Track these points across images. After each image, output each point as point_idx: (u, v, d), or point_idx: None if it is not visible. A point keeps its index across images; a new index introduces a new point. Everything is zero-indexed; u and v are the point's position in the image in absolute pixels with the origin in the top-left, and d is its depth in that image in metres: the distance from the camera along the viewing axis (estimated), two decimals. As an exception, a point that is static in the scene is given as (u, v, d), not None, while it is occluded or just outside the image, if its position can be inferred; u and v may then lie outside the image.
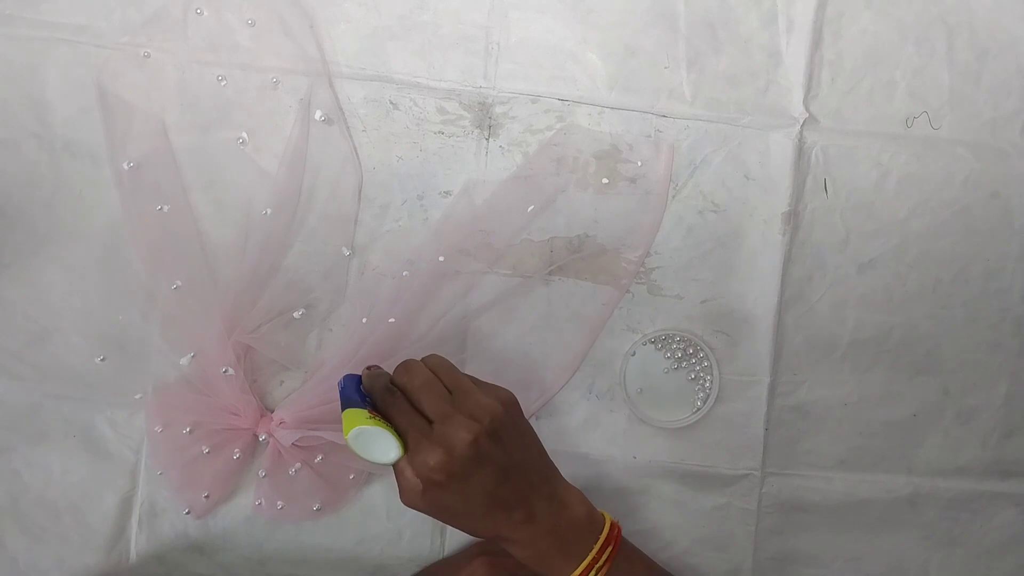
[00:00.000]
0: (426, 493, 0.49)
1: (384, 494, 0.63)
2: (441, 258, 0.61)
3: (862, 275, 0.65)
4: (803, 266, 0.65)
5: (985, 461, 0.66)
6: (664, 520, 0.65)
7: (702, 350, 0.64)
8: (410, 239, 0.63)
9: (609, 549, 0.51)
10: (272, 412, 0.61)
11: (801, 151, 0.64)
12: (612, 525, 0.53)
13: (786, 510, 0.65)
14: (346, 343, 0.61)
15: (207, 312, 0.60)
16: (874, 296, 0.65)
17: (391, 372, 0.60)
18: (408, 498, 0.50)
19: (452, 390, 0.51)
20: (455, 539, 0.64)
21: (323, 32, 0.62)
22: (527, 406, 0.63)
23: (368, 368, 0.54)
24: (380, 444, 0.48)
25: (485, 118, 0.63)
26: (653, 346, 0.64)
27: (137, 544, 0.62)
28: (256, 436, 0.61)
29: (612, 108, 0.63)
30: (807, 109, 0.64)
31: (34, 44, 0.61)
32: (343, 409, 0.51)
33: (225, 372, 0.59)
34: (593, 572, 0.50)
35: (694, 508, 0.65)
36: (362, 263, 0.63)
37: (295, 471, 0.60)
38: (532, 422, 0.63)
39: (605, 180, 0.63)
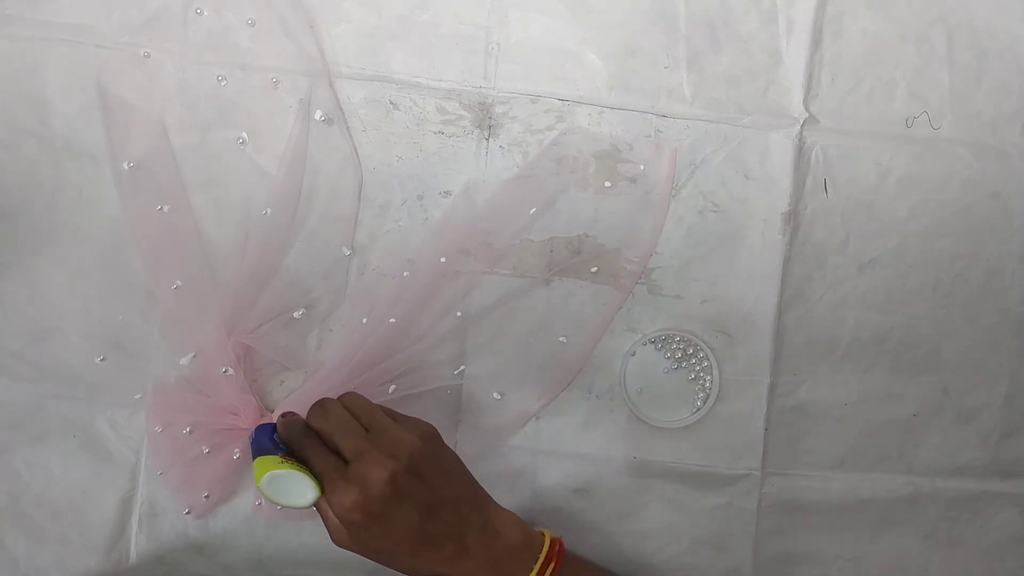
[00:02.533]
0: (350, 534, 0.48)
1: (384, 494, 0.63)
2: (442, 259, 0.61)
3: (862, 275, 0.65)
4: (803, 266, 0.65)
5: (985, 461, 0.66)
6: (664, 520, 0.65)
7: (702, 350, 0.64)
8: (410, 239, 0.63)
9: (551, 566, 0.51)
10: (272, 412, 0.61)
11: (801, 151, 0.64)
12: (553, 542, 0.52)
13: (786, 510, 0.65)
14: (346, 343, 0.61)
15: (207, 312, 0.60)
16: (874, 296, 0.65)
17: (384, 372, 0.60)
18: (337, 539, 0.50)
19: (368, 427, 0.50)
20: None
21: (323, 32, 0.62)
22: (527, 407, 0.63)
23: (283, 415, 0.54)
24: (296, 487, 0.48)
25: (485, 118, 0.63)
26: (653, 346, 0.64)
27: (137, 544, 0.62)
28: (256, 436, 0.61)
29: (612, 108, 0.63)
30: (807, 109, 0.64)
31: (34, 44, 0.61)
32: (254, 458, 0.51)
33: (225, 372, 0.59)
34: None
35: (694, 508, 0.65)
36: (362, 263, 0.63)
37: (295, 471, 0.60)
38: (532, 423, 0.63)
39: (607, 182, 0.63)
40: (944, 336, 0.66)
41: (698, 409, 0.64)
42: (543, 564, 0.51)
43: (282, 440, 0.52)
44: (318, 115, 0.61)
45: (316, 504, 0.49)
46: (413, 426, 0.51)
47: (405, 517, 0.48)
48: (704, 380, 0.64)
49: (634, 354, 0.64)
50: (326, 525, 0.50)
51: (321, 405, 0.52)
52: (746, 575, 0.65)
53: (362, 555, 0.50)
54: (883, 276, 0.65)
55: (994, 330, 0.66)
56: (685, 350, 0.64)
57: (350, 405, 0.52)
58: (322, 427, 0.50)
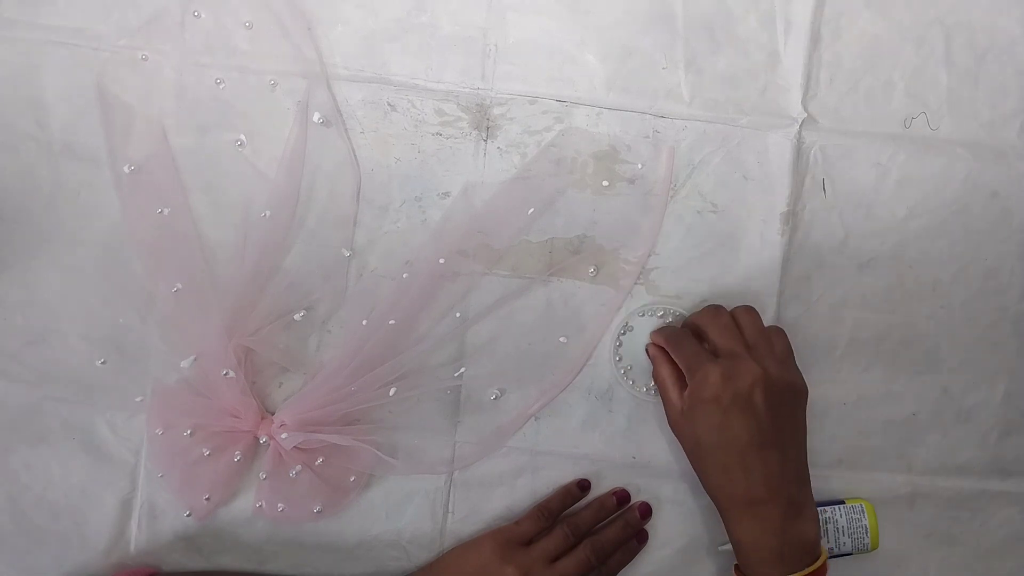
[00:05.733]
0: (690, 412, 0.53)
1: (384, 496, 0.63)
2: (441, 260, 0.61)
3: (861, 275, 0.65)
4: (802, 266, 0.65)
5: (984, 460, 0.67)
6: (663, 519, 0.65)
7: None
8: (409, 241, 0.63)
9: None
10: (273, 414, 0.61)
11: (800, 151, 0.64)
12: (826, 564, 0.54)
13: (785, 510, 0.65)
14: (346, 345, 0.61)
15: (207, 314, 0.60)
16: (873, 296, 0.65)
17: (385, 374, 0.60)
18: (671, 416, 0.55)
19: (751, 345, 0.54)
20: (455, 541, 0.64)
21: (321, 34, 0.62)
22: (527, 407, 0.63)
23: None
24: None
25: (483, 119, 0.63)
26: (644, 319, 0.64)
27: (137, 545, 0.62)
28: (257, 438, 0.61)
29: (610, 109, 0.63)
30: (805, 109, 0.64)
31: (32, 47, 0.61)
32: None
33: (226, 375, 0.59)
34: None
35: (692, 507, 0.65)
36: (361, 265, 0.63)
37: (296, 473, 0.60)
38: (531, 423, 0.64)
39: (605, 183, 0.63)
40: (943, 335, 0.66)
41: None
42: (814, 572, 0.52)
43: (657, 339, 0.58)
44: (316, 117, 0.61)
45: (664, 381, 0.54)
46: (792, 370, 0.54)
47: (740, 428, 0.51)
48: None
49: (631, 330, 0.64)
50: (666, 402, 0.54)
51: (714, 307, 0.57)
52: (746, 575, 0.66)
53: (682, 441, 0.54)
54: (882, 276, 0.65)
55: (993, 329, 0.66)
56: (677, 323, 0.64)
57: (741, 320, 0.55)
58: (707, 324, 0.56)
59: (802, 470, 0.55)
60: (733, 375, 0.52)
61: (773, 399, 0.52)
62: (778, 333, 0.58)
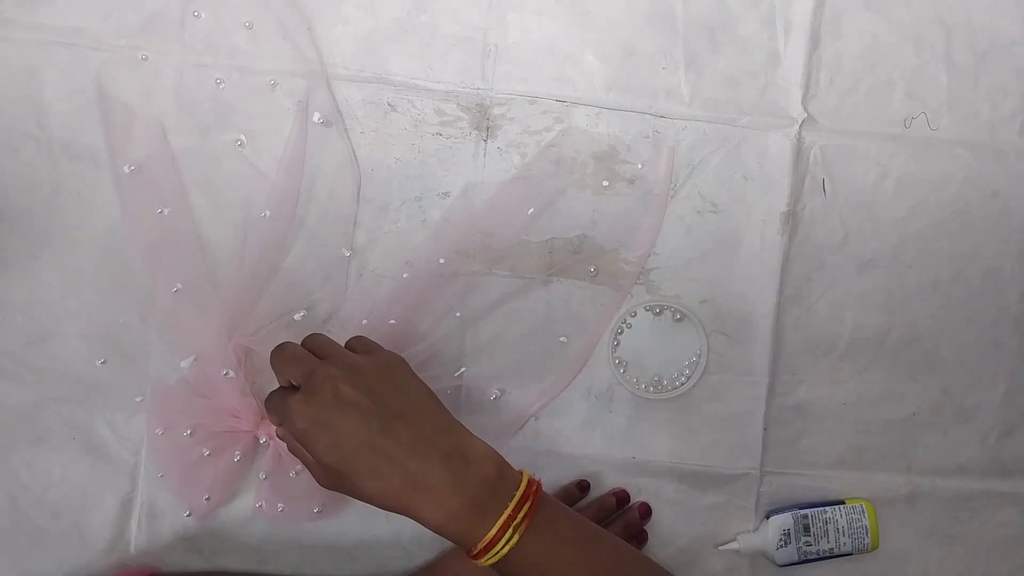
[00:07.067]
0: (308, 448, 0.47)
1: (384, 495, 0.63)
2: (441, 260, 0.61)
3: (861, 275, 0.65)
4: (802, 266, 0.65)
5: (984, 460, 0.67)
6: (663, 519, 0.65)
7: (692, 321, 0.64)
8: (409, 240, 0.63)
9: (527, 505, 0.46)
10: (272, 415, 0.61)
11: (800, 151, 0.64)
12: (531, 481, 0.48)
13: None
14: (346, 345, 0.61)
15: (207, 315, 0.60)
16: (873, 296, 0.65)
17: None
18: (314, 476, 0.49)
19: (323, 355, 0.50)
20: (455, 540, 0.64)
21: (321, 34, 0.62)
22: (527, 407, 0.63)
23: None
24: None
25: (483, 119, 0.63)
26: (644, 314, 0.64)
27: (137, 546, 0.62)
28: (257, 438, 0.61)
29: (610, 109, 0.63)
30: (805, 109, 0.64)
31: (32, 47, 0.61)
32: None
33: (226, 375, 0.59)
34: (511, 531, 0.45)
35: (693, 507, 0.65)
36: (361, 264, 0.63)
37: (296, 473, 0.60)
38: (532, 423, 0.64)
39: (605, 183, 0.63)
40: (943, 335, 0.66)
41: (688, 378, 0.64)
42: (519, 502, 0.46)
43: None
44: (316, 117, 0.61)
45: (291, 447, 0.49)
46: (375, 352, 0.51)
47: (351, 425, 0.46)
48: (692, 350, 0.64)
49: (630, 327, 0.64)
50: (303, 463, 0.50)
51: (277, 347, 0.51)
52: (744, 573, 0.66)
53: (326, 484, 0.48)
54: (882, 276, 0.65)
55: (993, 329, 0.66)
56: (675, 319, 0.64)
57: (310, 344, 0.52)
58: (276, 364, 0.50)
59: (443, 420, 0.49)
60: (311, 390, 0.47)
61: (364, 382, 0.47)
62: (355, 338, 0.54)
